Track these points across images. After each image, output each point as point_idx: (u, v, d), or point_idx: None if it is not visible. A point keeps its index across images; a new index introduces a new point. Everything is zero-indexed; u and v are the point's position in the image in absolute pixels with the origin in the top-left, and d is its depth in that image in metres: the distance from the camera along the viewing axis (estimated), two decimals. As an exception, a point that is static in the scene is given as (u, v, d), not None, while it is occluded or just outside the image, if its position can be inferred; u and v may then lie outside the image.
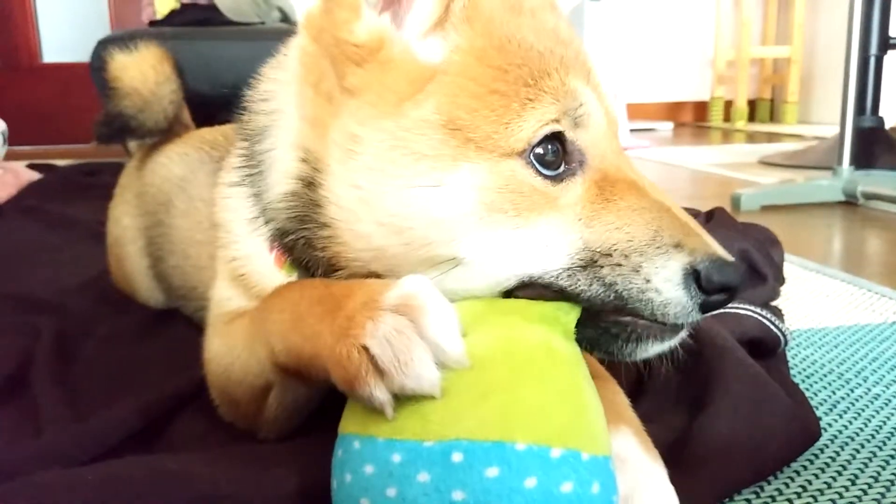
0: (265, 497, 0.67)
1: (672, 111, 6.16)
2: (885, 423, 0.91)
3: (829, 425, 0.90)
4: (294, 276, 0.78)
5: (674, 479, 0.66)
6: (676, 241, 0.66)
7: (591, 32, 4.46)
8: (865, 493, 0.76)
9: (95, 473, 0.69)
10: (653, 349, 0.68)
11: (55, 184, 2.82)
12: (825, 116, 5.75)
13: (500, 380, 0.56)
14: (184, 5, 3.43)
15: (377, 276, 0.69)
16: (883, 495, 0.75)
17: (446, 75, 0.67)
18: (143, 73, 1.40)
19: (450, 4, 0.68)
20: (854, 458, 0.83)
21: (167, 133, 1.42)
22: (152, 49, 1.45)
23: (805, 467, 0.80)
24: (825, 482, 0.78)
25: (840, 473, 0.79)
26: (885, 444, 0.86)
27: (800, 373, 1.07)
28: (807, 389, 1.00)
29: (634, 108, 5.64)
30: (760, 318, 1.07)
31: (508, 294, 0.68)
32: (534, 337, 0.61)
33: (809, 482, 0.78)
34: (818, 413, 0.91)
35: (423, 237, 0.66)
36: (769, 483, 0.77)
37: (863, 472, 0.80)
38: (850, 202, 2.51)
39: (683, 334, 0.69)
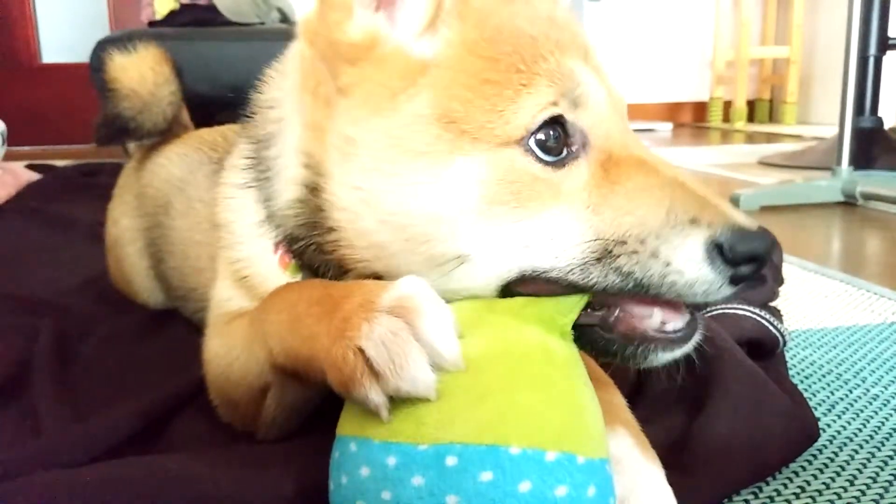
0: (264, 497, 0.67)
1: (671, 112, 6.16)
2: (883, 423, 0.91)
3: (828, 426, 0.90)
4: (298, 278, 0.78)
5: (672, 480, 0.66)
6: (692, 217, 0.63)
7: (590, 32, 4.46)
8: (864, 493, 0.76)
9: (95, 473, 0.69)
10: (664, 357, 0.66)
11: (54, 184, 2.82)
12: (824, 117, 5.76)
13: (495, 382, 0.56)
14: (183, 6, 3.42)
15: (381, 277, 0.69)
16: (881, 496, 0.75)
17: (438, 69, 0.66)
18: (142, 75, 1.40)
19: (441, 1, 0.68)
20: (853, 458, 0.83)
21: (166, 134, 1.42)
22: (151, 50, 1.45)
23: (804, 468, 0.81)
24: (824, 482, 0.78)
25: (839, 474, 0.79)
26: (883, 444, 0.86)
27: (798, 373, 1.07)
28: (805, 390, 1.00)
29: (633, 109, 5.63)
30: (759, 318, 1.07)
31: (510, 291, 0.66)
32: (530, 339, 0.61)
33: (808, 482, 0.78)
34: (817, 413, 0.91)
35: (423, 234, 0.66)
36: (768, 483, 0.77)
37: (861, 472, 0.80)
38: (849, 203, 2.51)
39: (697, 338, 0.67)
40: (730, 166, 3.53)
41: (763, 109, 6.24)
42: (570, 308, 0.65)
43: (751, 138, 5.04)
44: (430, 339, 0.55)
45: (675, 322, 0.66)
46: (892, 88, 3.85)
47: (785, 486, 0.77)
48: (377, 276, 0.70)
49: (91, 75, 2.62)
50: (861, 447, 0.85)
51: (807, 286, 1.53)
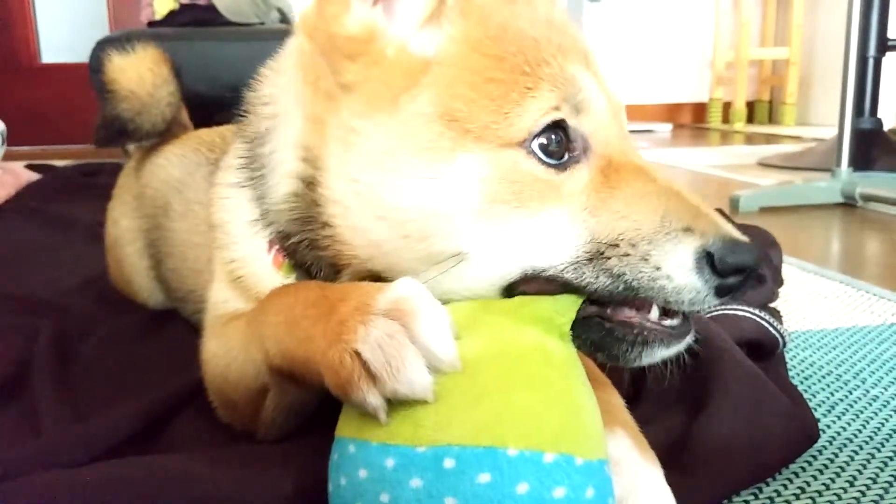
0: (264, 497, 0.67)
1: (671, 112, 6.17)
2: (883, 424, 0.91)
3: (828, 426, 0.90)
4: (292, 278, 0.78)
5: (672, 481, 0.66)
6: (686, 225, 0.64)
7: (589, 33, 4.47)
8: (864, 494, 0.76)
9: (95, 473, 0.69)
10: (659, 354, 0.67)
11: (54, 184, 2.82)
12: (824, 118, 5.76)
13: (492, 383, 0.56)
14: (183, 6, 3.42)
15: (377, 274, 0.69)
16: (881, 496, 0.75)
17: (441, 66, 0.66)
18: (141, 76, 1.40)
19: None
20: (852, 459, 0.83)
21: (166, 134, 1.42)
22: (150, 50, 1.45)
23: (804, 468, 0.81)
24: (824, 483, 0.78)
25: (838, 475, 0.80)
26: (883, 445, 0.86)
27: (798, 374, 1.07)
28: (805, 391, 1.00)
29: (633, 110, 5.63)
30: (759, 319, 1.07)
31: (511, 288, 0.67)
32: (528, 339, 0.60)
33: (808, 483, 0.78)
34: (817, 414, 0.91)
35: (421, 230, 0.66)
36: (768, 484, 0.77)
37: (861, 473, 0.80)
38: (848, 204, 2.51)
39: (690, 339, 0.68)
40: (729, 167, 3.53)
41: (762, 110, 6.24)
42: (567, 308, 0.65)
43: (750, 139, 5.05)
44: (426, 342, 0.55)
45: (671, 320, 0.67)
46: (892, 89, 3.86)
47: (785, 486, 0.77)
48: (372, 275, 0.70)
49: (90, 76, 2.62)
50: (861, 448, 0.85)
51: (806, 287, 1.53)
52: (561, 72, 0.66)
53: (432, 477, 0.52)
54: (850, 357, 1.14)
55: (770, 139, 4.97)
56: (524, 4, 0.71)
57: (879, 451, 0.85)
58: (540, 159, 0.65)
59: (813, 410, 0.89)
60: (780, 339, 1.05)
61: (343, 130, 0.68)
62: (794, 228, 2.22)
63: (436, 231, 0.65)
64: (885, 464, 0.82)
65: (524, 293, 0.66)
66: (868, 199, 2.44)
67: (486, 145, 0.64)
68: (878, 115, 3.11)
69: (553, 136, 0.66)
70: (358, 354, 0.56)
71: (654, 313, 0.67)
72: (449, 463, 0.52)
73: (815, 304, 1.42)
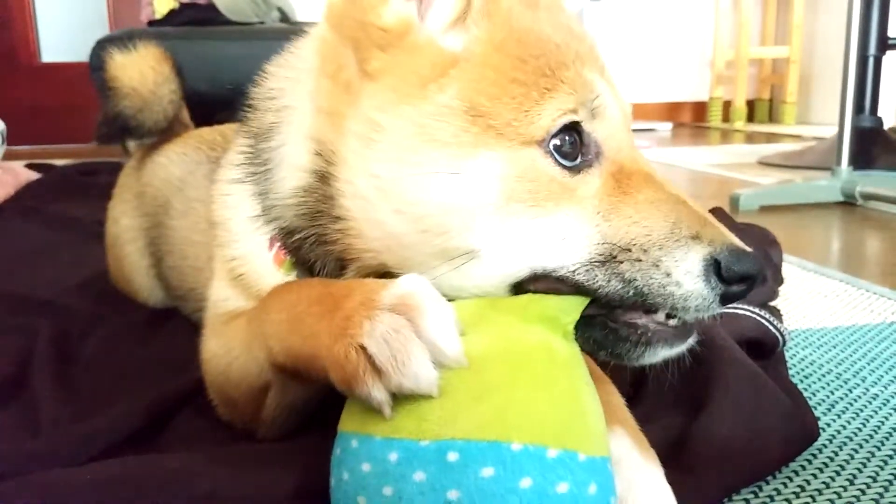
0: (264, 496, 0.67)
1: (671, 111, 6.17)
2: (883, 422, 0.91)
3: (828, 425, 0.90)
4: (293, 276, 0.78)
5: (673, 479, 0.66)
6: (694, 233, 0.65)
7: (591, 34, 4.46)
8: (864, 492, 0.76)
9: (95, 472, 0.69)
10: (661, 353, 0.68)
11: (54, 183, 2.82)
12: (824, 117, 5.76)
13: (497, 380, 0.56)
14: (183, 5, 3.42)
15: (387, 269, 0.70)
16: (881, 495, 0.76)
17: (468, 63, 0.67)
18: (142, 73, 1.40)
19: (470, 0, 0.69)
20: (852, 457, 0.83)
21: (166, 133, 1.42)
22: (151, 49, 1.45)
23: (804, 467, 0.81)
24: (823, 482, 0.78)
25: (838, 473, 0.80)
26: (883, 443, 0.86)
27: (798, 373, 1.07)
28: (805, 389, 1.00)
29: (633, 109, 5.59)
30: (759, 318, 1.07)
31: (519, 286, 0.67)
32: (532, 337, 0.61)
33: (808, 482, 0.78)
34: (816, 413, 0.91)
35: (440, 225, 0.66)
36: (768, 483, 0.78)
37: (861, 471, 0.80)
38: (848, 202, 2.51)
39: (692, 340, 0.69)
40: (729, 166, 3.53)
41: (763, 109, 6.24)
42: (573, 308, 0.65)
43: (750, 138, 5.04)
44: (431, 337, 0.56)
45: (674, 320, 0.68)
46: (892, 88, 3.86)
47: (785, 485, 0.77)
48: (380, 270, 0.70)
49: (91, 74, 2.62)
50: (861, 447, 0.85)
51: (806, 286, 1.53)
52: (579, 77, 0.68)
53: (436, 470, 0.53)
54: (850, 356, 1.14)
55: (770, 138, 4.97)
56: (545, 10, 0.73)
57: (879, 449, 0.85)
58: (556, 160, 0.66)
59: (813, 409, 0.89)
60: (780, 338, 1.05)
61: (363, 124, 0.69)
62: (794, 227, 2.22)
63: (454, 227, 0.66)
64: (885, 462, 0.82)
65: (532, 291, 0.67)
66: (868, 197, 2.44)
67: (507, 143, 0.65)
68: (879, 114, 3.12)
69: (567, 138, 0.67)
70: (363, 349, 0.56)
71: (660, 314, 0.67)
72: (453, 456, 0.53)
73: (815, 303, 1.42)
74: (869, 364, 1.10)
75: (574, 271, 0.65)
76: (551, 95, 0.66)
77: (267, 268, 0.80)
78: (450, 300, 0.60)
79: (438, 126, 0.66)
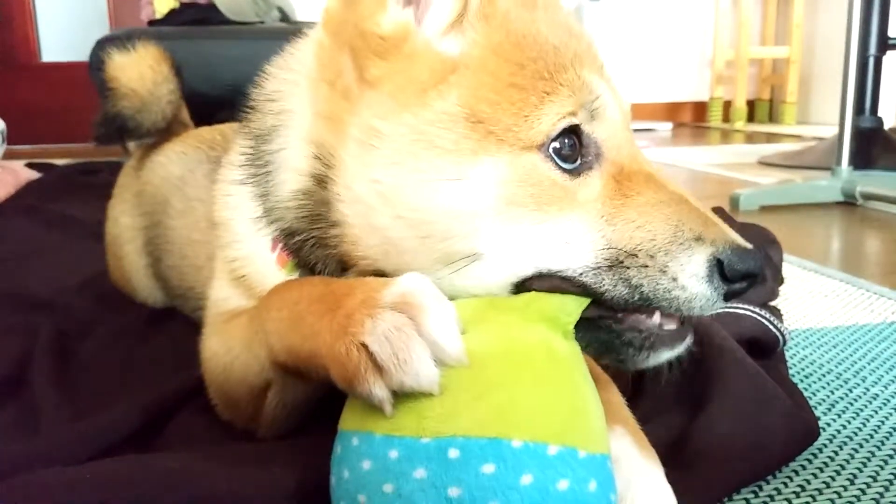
0: (264, 495, 0.67)
1: (671, 111, 6.17)
2: (883, 422, 0.91)
3: (828, 425, 0.90)
4: (295, 276, 0.78)
5: (673, 479, 0.66)
6: (697, 234, 0.66)
7: (590, 32, 4.46)
8: (864, 492, 0.76)
9: (95, 473, 0.69)
10: (664, 356, 0.68)
11: (54, 183, 2.82)
12: (824, 117, 5.76)
13: (498, 378, 0.56)
14: (183, 5, 3.42)
15: (384, 275, 0.69)
16: (881, 495, 0.75)
17: (466, 69, 0.67)
18: (141, 74, 1.40)
19: (467, 2, 0.69)
20: (852, 457, 0.83)
21: (166, 132, 1.42)
22: (150, 49, 1.45)
23: (804, 466, 0.81)
24: (824, 481, 0.78)
25: (838, 473, 0.80)
26: (883, 443, 0.86)
27: (798, 372, 1.07)
28: (805, 389, 1.00)
29: (633, 109, 5.59)
30: (759, 317, 1.07)
31: (521, 285, 0.67)
32: (533, 336, 0.61)
33: (808, 481, 0.78)
34: (817, 413, 0.91)
35: (442, 231, 0.66)
36: (768, 482, 0.78)
37: (861, 471, 0.80)
38: (848, 202, 2.51)
39: (690, 339, 0.69)
40: (729, 166, 3.53)
41: (763, 109, 6.24)
42: (574, 308, 0.65)
43: (750, 138, 5.05)
44: (433, 335, 0.56)
45: (671, 324, 0.69)
46: (892, 88, 3.85)
47: (785, 484, 0.77)
48: (378, 274, 0.70)
49: (91, 74, 2.62)
50: (861, 446, 0.85)
51: (806, 286, 1.53)
52: (578, 78, 0.68)
53: (436, 467, 0.53)
54: (851, 355, 1.14)
55: (770, 138, 4.97)
56: (543, 10, 0.72)
57: (879, 449, 0.85)
58: (556, 163, 0.66)
59: (813, 409, 0.89)
60: (780, 338, 1.05)
61: (363, 131, 0.68)
62: (794, 227, 2.22)
63: (456, 232, 0.66)
64: (886, 462, 0.82)
65: (536, 289, 0.67)
66: (868, 197, 2.44)
67: (508, 148, 0.65)
68: (879, 114, 3.11)
69: (567, 140, 0.67)
70: (365, 347, 0.56)
71: (657, 318, 0.68)
72: (453, 453, 0.53)
73: (815, 303, 1.42)
74: (869, 364, 1.10)
75: (581, 274, 0.66)
76: (550, 99, 0.66)
77: (270, 269, 0.80)
78: (450, 299, 0.60)
79: (439, 133, 0.66)
